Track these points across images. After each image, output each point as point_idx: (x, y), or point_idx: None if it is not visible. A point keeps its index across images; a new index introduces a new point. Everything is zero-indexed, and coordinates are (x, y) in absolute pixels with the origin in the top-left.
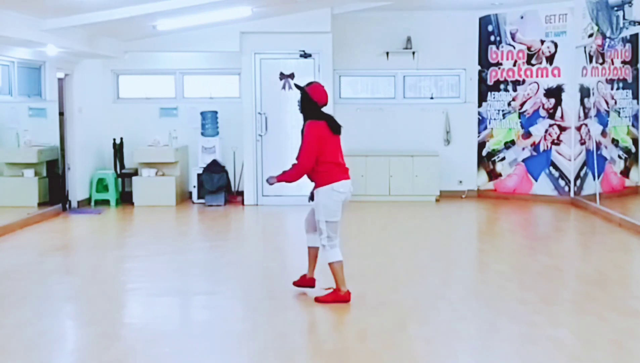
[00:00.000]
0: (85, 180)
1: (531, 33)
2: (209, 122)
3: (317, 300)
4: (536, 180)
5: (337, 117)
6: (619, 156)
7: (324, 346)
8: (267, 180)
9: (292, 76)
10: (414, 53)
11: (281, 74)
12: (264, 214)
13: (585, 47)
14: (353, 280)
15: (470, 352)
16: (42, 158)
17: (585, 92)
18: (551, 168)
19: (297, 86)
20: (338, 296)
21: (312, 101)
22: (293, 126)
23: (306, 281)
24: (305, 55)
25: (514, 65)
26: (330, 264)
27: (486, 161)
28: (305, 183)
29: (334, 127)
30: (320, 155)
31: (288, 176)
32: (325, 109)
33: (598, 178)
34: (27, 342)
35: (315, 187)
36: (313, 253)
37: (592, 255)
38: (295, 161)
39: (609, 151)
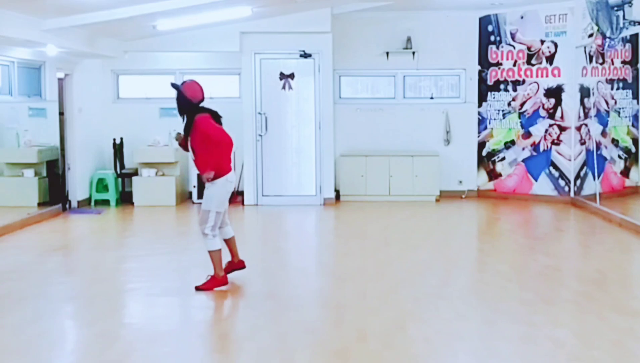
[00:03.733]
0: (85, 180)
1: (531, 33)
2: None
3: (198, 288)
4: (536, 180)
5: (337, 117)
6: (619, 156)
7: (324, 346)
8: (203, 181)
9: (292, 76)
10: (414, 53)
11: (281, 74)
12: (264, 214)
13: (585, 47)
14: (353, 280)
15: (470, 352)
16: (42, 158)
17: (585, 92)
18: (551, 168)
19: (172, 85)
20: (217, 281)
21: (187, 99)
22: (293, 126)
23: (236, 265)
24: (305, 55)
25: (514, 65)
26: (210, 252)
27: (486, 161)
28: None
29: (217, 118)
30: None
31: (201, 167)
32: (325, 109)
33: (598, 178)
34: (27, 342)
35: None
36: (230, 242)
37: (592, 255)
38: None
39: (609, 151)
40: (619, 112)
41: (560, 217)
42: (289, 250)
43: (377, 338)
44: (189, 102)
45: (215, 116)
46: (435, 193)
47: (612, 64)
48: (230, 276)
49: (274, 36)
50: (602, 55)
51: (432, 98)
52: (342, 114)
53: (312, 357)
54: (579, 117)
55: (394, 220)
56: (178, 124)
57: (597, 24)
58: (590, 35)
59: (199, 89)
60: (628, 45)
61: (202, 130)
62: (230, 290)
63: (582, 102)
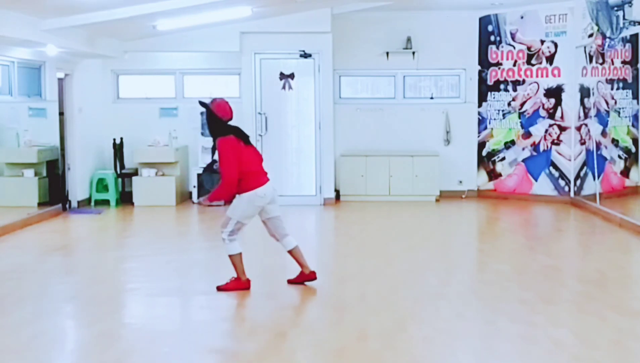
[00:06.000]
0: (85, 180)
1: (531, 33)
2: None
3: (219, 288)
4: (536, 180)
5: (337, 117)
6: (619, 156)
7: (324, 346)
8: (198, 202)
9: (292, 76)
10: (414, 53)
11: (281, 74)
12: None
13: (585, 47)
14: (353, 280)
15: (470, 352)
16: (42, 158)
17: (585, 92)
18: (551, 168)
19: (200, 103)
20: (239, 284)
21: (216, 117)
22: (293, 126)
23: (306, 277)
24: (305, 55)
25: (514, 65)
26: (230, 256)
27: (486, 161)
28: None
29: (244, 138)
30: (240, 166)
31: (217, 194)
32: (325, 109)
33: (598, 178)
34: (27, 342)
35: (238, 192)
36: (295, 253)
37: (592, 255)
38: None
39: (609, 151)
40: (619, 112)
41: (560, 217)
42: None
43: (377, 338)
44: (218, 121)
45: (241, 135)
46: (435, 193)
47: (612, 64)
48: (224, 273)
49: (274, 36)
50: (602, 55)
51: (432, 98)
52: (342, 114)
53: (312, 357)
54: (579, 117)
55: (394, 220)
56: (178, 124)
57: (597, 24)
58: (590, 35)
59: (227, 108)
60: (628, 45)
61: (221, 156)
62: None
63: (582, 102)
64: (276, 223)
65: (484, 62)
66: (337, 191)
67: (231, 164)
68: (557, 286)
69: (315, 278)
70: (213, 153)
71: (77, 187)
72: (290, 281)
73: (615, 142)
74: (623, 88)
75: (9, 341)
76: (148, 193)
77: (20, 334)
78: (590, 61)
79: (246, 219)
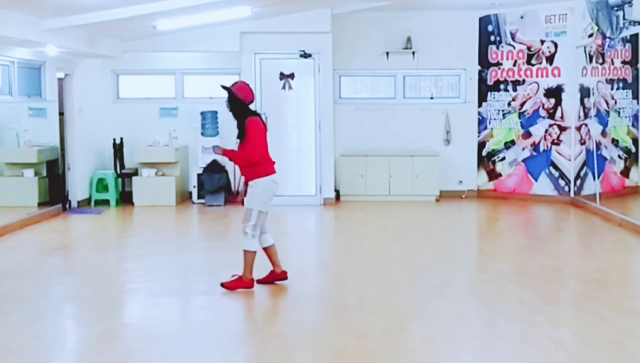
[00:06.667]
0: (85, 180)
1: (531, 33)
2: (209, 122)
3: (223, 285)
4: (536, 180)
5: (337, 117)
6: (619, 156)
7: (324, 346)
8: (212, 148)
9: (292, 76)
10: (414, 53)
11: (281, 74)
12: None
13: (585, 47)
14: (353, 280)
15: (470, 352)
16: (42, 158)
17: (585, 92)
18: (551, 168)
19: (223, 87)
20: (243, 283)
21: (239, 100)
22: (293, 126)
23: (277, 276)
24: (305, 55)
25: (514, 65)
26: (245, 251)
27: (486, 161)
28: (305, 183)
29: (264, 124)
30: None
31: (235, 156)
32: (325, 109)
33: (598, 178)
34: (27, 342)
35: (249, 179)
36: (271, 251)
37: (592, 255)
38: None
39: (609, 151)
40: (619, 112)
41: (560, 217)
42: (289, 250)
43: (377, 338)
44: (241, 103)
45: (261, 119)
46: (435, 193)
47: (612, 64)
48: (224, 273)
49: (274, 36)
50: (602, 55)
51: (432, 98)
52: (342, 114)
53: (312, 357)
54: (579, 117)
55: (394, 220)
56: (178, 124)
57: (597, 24)
58: (590, 35)
59: (249, 90)
60: (628, 45)
61: (250, 133)
62: (230, 290)
63: (582, 102)
64: (263, 219)
65: (484, 62)
66: (337, 191)
67: (259, 144)
68: (557, 286)
69: (286, 278)
70: (241, 136)
71: (77, 187)
72: (260, 281)
73: (615, 142)
74: (623, 88)
75: (9, 341)
76: (148, 193)
77: (20, 334)
78: (590, 61)
79: (265, 206)
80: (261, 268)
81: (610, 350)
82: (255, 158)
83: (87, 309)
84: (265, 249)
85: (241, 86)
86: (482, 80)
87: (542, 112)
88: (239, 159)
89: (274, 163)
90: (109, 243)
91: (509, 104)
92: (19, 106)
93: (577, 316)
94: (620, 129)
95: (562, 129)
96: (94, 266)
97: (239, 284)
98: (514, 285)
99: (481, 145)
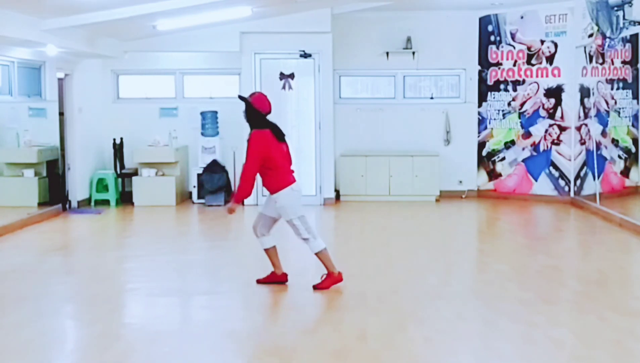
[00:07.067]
0: (85, 180)
1: (531, 33)
2: (209, 122)
3: (316, 287)
4: (536, 180)
5: (337, 117)
6: (619, 156)
7: (324, 346)
8: (228, 210)
9: (292, 76)
10: (414, 53)
11: (281, 74)
12: None
13: (585, 47)
14: (353, 280)
15: (470, 352)
16: (42, 158)
17: (585, 92)
18: (551, 168)
19: (240, 98)
20: (333, 279)
21: (255, 111)
22: (293, 126)
23: (278, 277)
24: (305, 55)
25: (514, 65)
26: (317, 254)
27: (486, 161)
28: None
29: (279, 135)
30: (270, 161)
31: (240, 194)
32: (325, 109)
33: (598, 178)
34: (27, 342)
35: (272, 192)
36: (272, 252)
37: (592, 255)
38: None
39: (609, 151)
40: (619, 112)
41: (560, 217)
42: (289, 250)
43: (377, 338)
44: (257, 114)
45: (276, 131)
46: (435, 193)
47: (612, 64)
48: (224, 273)
49: (274, 36)
50: (602, 55)
51: (432, 98)
52: (342, 114)
53: (312, 357)
54: (579, 117)
55: (394, 220)
56: (178, 124)
57: (597, 24)
58: (590, 35)
59: (266, 101)
60: (628, 45)
61: (249, 149)
62: (230, 290)
63: (582, 102)
64: (267, 221)
65: (484, 62)
66: (337, 191)
67: (255, 160)
68: (557, 286)
69: (286, 281)
70: (247, 144)
71: (77, 187)
72: (260, 281)
73: (615, 142)
74: (623, 88)
75: (9, 341)
76: (148, 193)
77: (20, 334)
78: (590, 61)
79: (300, 211)
80: (261, 268)
81: (610, 350)
82: (251, 173)
83: (87, 309)
84: (266, 250)
85: (258, 97)
86: (482, 80)
87: (542, 112)
88: (242, 191)
89: (292, 171)
90: (109, 243)
91: (509, 104)
92: (19, 106)
93: (577, 316)
94: (620, 129)
95: (562, 129)
96: (94, 266)
97: (331, 281)
98: (514, 285)
99: (481, 145)
